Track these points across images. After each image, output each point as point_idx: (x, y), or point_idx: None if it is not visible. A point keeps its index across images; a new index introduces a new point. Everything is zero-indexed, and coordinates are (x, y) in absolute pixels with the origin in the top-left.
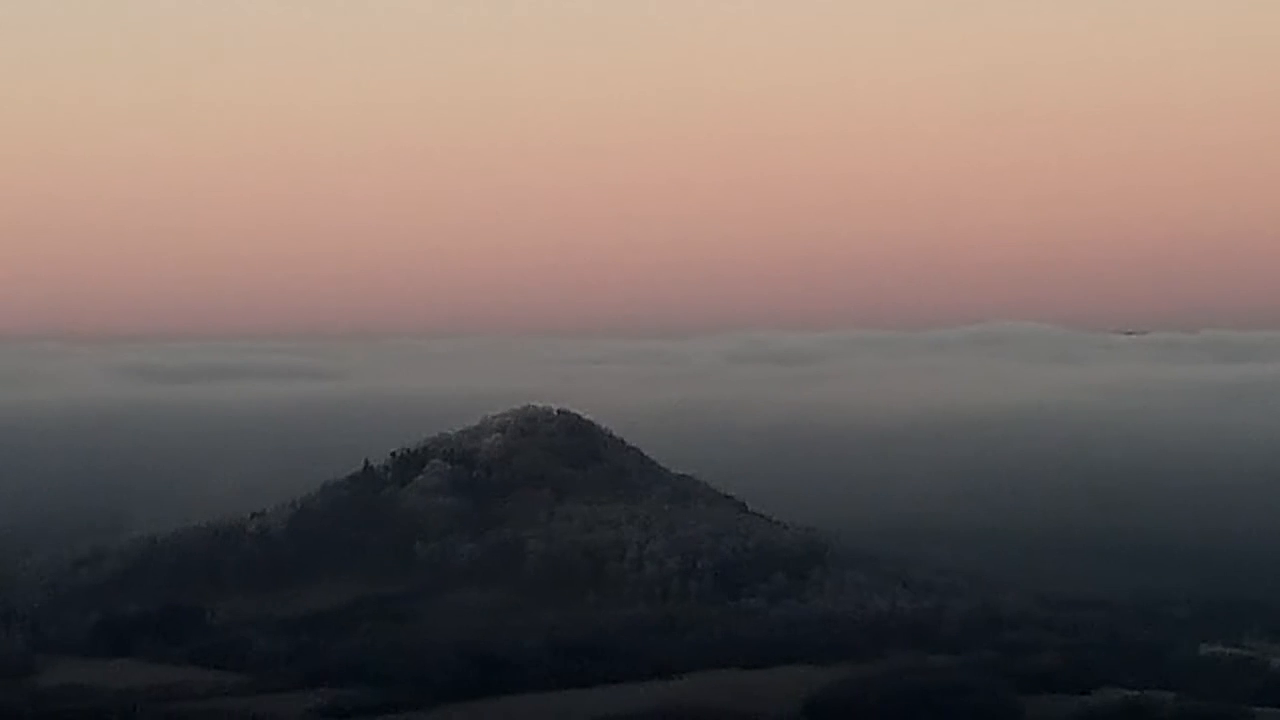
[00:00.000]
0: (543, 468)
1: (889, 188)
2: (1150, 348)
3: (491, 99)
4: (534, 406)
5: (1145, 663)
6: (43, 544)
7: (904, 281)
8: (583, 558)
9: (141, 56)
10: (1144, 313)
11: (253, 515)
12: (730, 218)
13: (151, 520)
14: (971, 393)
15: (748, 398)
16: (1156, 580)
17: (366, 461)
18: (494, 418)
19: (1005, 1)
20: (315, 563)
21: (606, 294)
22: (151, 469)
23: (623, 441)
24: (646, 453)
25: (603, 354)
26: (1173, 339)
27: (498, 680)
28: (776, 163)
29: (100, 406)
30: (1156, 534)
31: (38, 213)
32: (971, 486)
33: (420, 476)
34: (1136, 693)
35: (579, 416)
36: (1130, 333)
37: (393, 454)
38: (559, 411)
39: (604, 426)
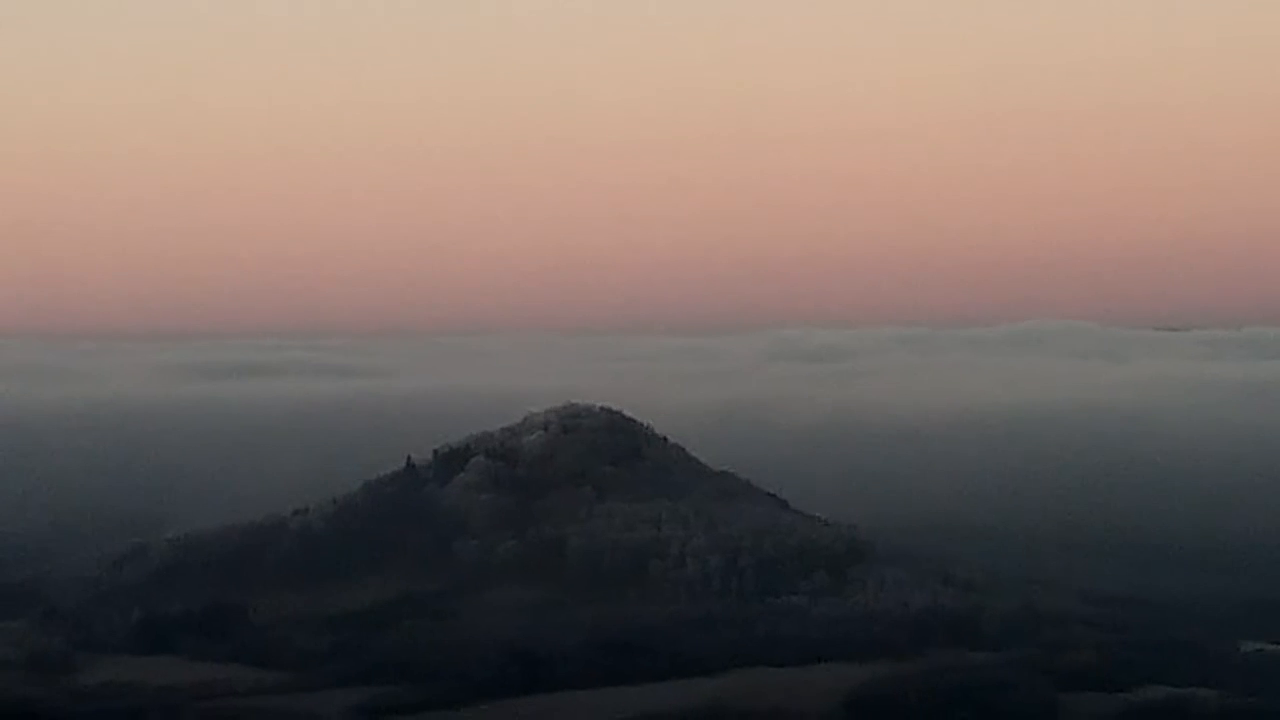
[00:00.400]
0: (584, 465)
1: (927, 185)
2: (1191, 344)
3: (536, 97)
4: (576, 404)
5: (1186, 660)
6: (84, 542)
7: (942, 278)
8: (624, 555)
9: (171, 54)
10: (1185, 309)
11: (294, 513)
12: (769, 216)
13: (193, 518)
14: (1011, 390)
15: (789, 395)
16: (1198, 577)
17: (408, 459)
18: (536, 415)
19: None
20: (357, 560)
21: (648, 291)
22: (193, 466)
23: (664, 439)
24: (688, 450)
25: (644, 351)
26: (1214, 336)
27: (538, 678)
28: (816, 161)
29: (143, 404)
30: (1198, 531)
31: (78, 212)
32: (1012, 484)
33: (462, 474)
34: (1177, 690)
35: (621, 414)
36: (1171, 329)
37: (435, 451)
38: (601, 409)
39: (646, 424)
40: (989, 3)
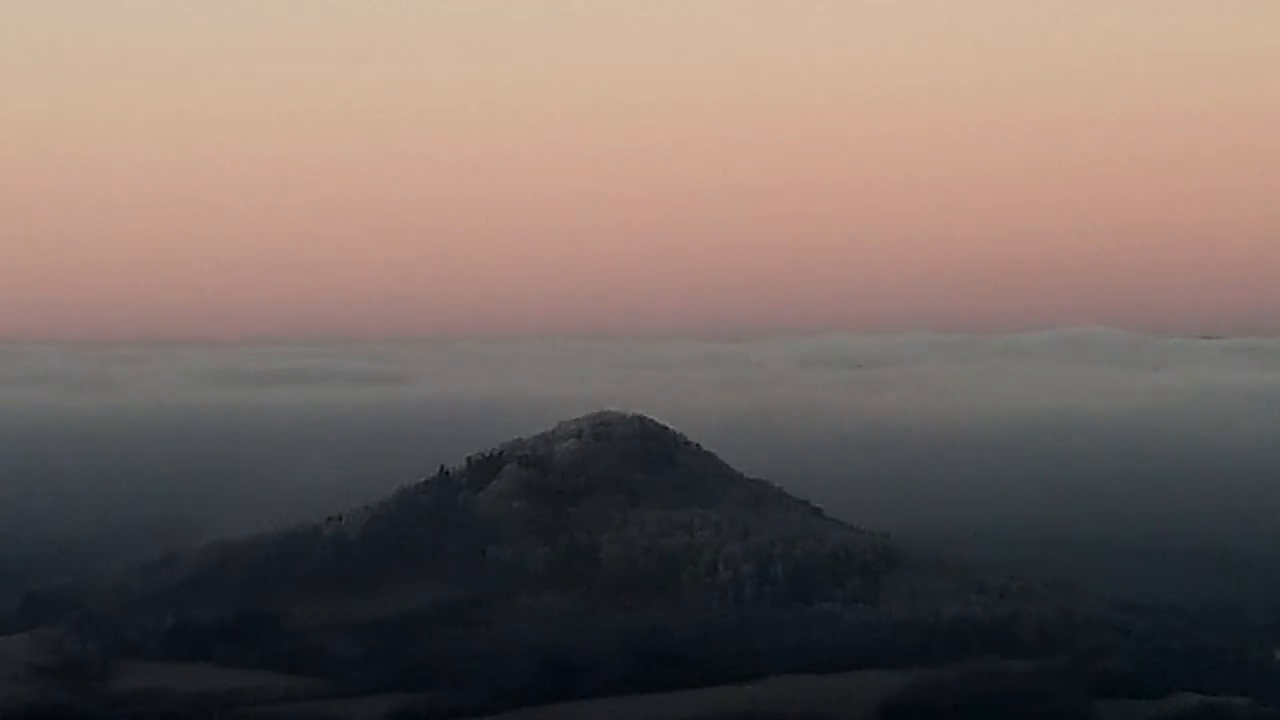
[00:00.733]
0: (617, 473)
1: (965, 191)
2: (1228, 352)
3: (567, 102)
4: (609, 411)
5: (1221, 668)
6: (119, 548)
7: (978, 285)
8: (657, 563)
9: (198, 62)
10: (1222, 316)
11: (328, 520)
12: (804, 222)
13: (227, 525)
14: (1046, 397)
15: (822, 402)
16: (1233, 586)
17: (442, 466)
18: (569, 423)
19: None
20: (390, 567)
21: (682, 298)
22: (227, 473)
23: (697, 446)
24: (721, 457)
25: (677, 358)
26: (1252, 344)
27: (571, 685)
28: (852, 167)
29: (177, 411)
30: (1233, 539)
31: (114, 221)
32: (1046, 491)
33: (495, 481)
34: (1211, 698)
35: (654, 421)
36: (1208, 336)
37: (468, 459)
38: (634, 416)
39: (678, 431)
40: (1029, 5)
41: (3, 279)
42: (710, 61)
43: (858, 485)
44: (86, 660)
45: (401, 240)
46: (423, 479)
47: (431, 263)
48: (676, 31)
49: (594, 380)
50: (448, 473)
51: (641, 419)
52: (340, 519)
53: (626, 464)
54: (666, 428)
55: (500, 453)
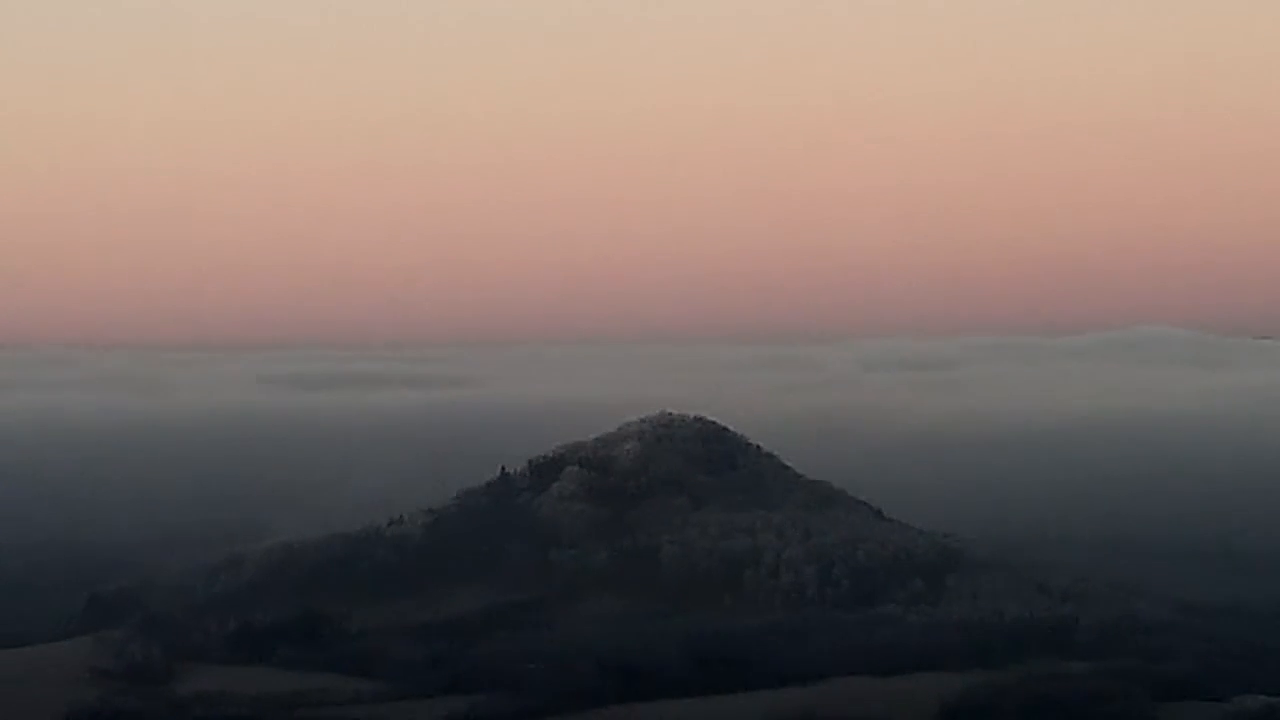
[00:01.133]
0: (679, 475)
1: (1029, 192)
2: None
3: (635, 105)
4: (670, 413)
5: None
6: (181, 551)
7: (1041, 287)
8: (718, 565)
9: (250, 66)
10: None
11: (390, 522)
12: (867, 224)
13: (289, 527)
14: (1109, 398)
15: (884, 404)
16: None
17: (503, 469)
18: (630, 425)
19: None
20: (452, 570)
21: (743, 300)
22: (290, 476)
23: (759, 448)
24: (783, 459)
25: (739, 360)
26: None
27: (633, 687)
28: (915, 169)
29: (239, 414)
30: None
31: (177, 225)
32: (1108, 492)
33: (556, 484)
34: (1275, 699)
35: (715, 423)
36: (1270, 337)
37: (529, 461)
38: (695, 418)
39: (740, 433)
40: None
41: (66, 284)
42: (770, 64)
43: (920, 487)
44: (149, 663)
45: (464, 244)
46: (484, 481)
47: (494, 266)
48: (735, 32)
49: (655, 382)
50: (509, 475)
51: (703, 421)
52: (402, 521)
53: (688, 466)
54: (728, 429)
55: (561, 455)
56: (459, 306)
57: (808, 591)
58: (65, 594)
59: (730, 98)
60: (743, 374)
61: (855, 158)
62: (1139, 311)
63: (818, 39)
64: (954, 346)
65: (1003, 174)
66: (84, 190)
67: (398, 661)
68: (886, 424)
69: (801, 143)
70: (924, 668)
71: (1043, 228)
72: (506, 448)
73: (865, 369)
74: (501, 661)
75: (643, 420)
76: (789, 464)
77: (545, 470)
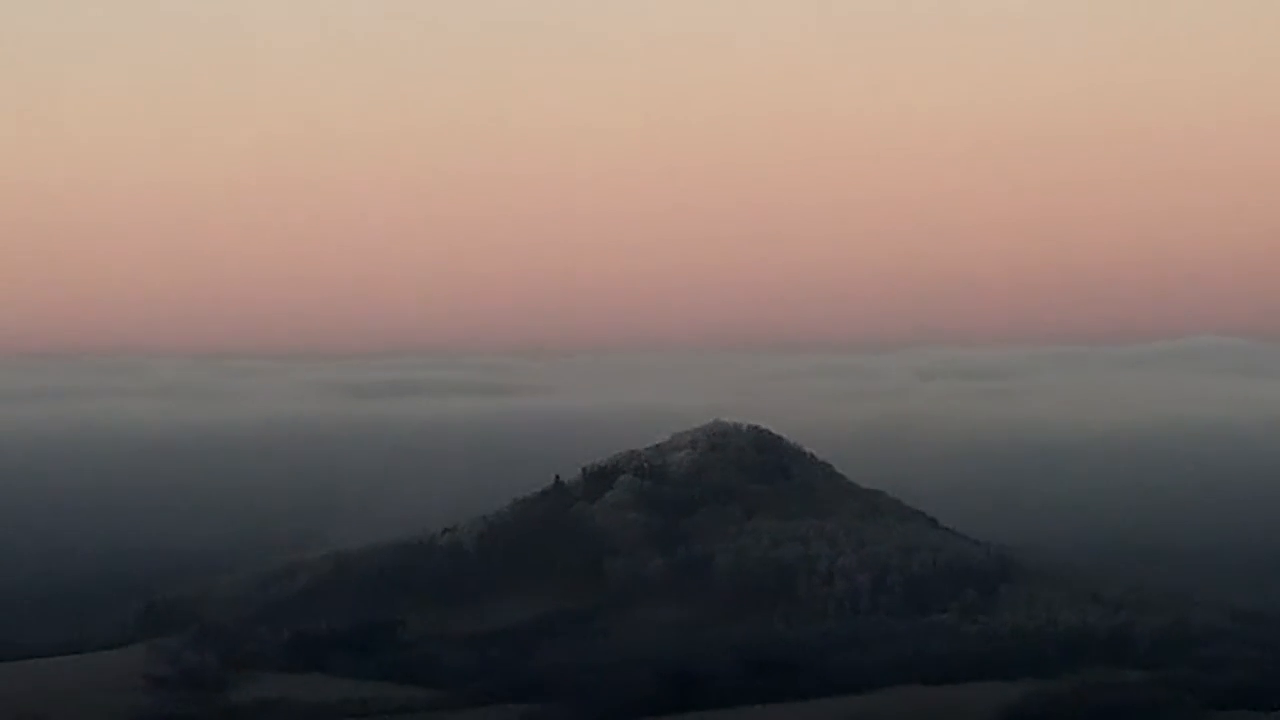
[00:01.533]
0: (732, 483)
1: (1084, 200)
2: None
3: (684, 116)
4: (724, 422)
5: None
6: (236, 559)
7: (1095, 296)
8: (772, 573)
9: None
10: None
11: (444, 530)
12: (923, 232)
13: (343, 536)
14: (1165, 407)
15: (938, 413)
16: None
17: (557, 477)
18: (684, 433)
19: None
20: (505, 578)
21: (798, 309)
22: (344, 484)
23: (812, 457)
24: (836, 468)
25: (793, 369)
26: None
27: (687, 696)
28: (974, 178)
29: (294, 423)
30: None
31: (232, 235)
32: (1162, 501)
33: (610, 492)
34: None
35: (769, 432)
36: None
37: (583, 470)
38: (749, 427)
39: (794, 442)
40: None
41: (125, 292)
42: (830, 72)
43: (974, 496)
44: (204, 671)
45: (518, 253)
46: (538, 490)
47: (549, 275)
48: (801, 43)
49: (709, 391)
50: (563, 484)
51: (757, 429)
52: (456, 530)
53: (742, 475)
54: (782, 438)
55: (615, 464)
56: (515, 315)
57: (861, 600)
58: (121, 602)
59: (800, 105)
60: (798, 383)
61: (916, 167)
62: (1192, 321)
63: (877, 47)
64: (1009, 356)
65: (1060, 184)
66: (145, 200)
67: (452, 670)
68: (941, 432)
69: (862, 151)
70: (978, 677)
71: (1098, 238)
72: (561, 456)
73: (922, 378)
74: (555, 670)
75: (697, 429)
76: (843, 473)
77: (599, 479)
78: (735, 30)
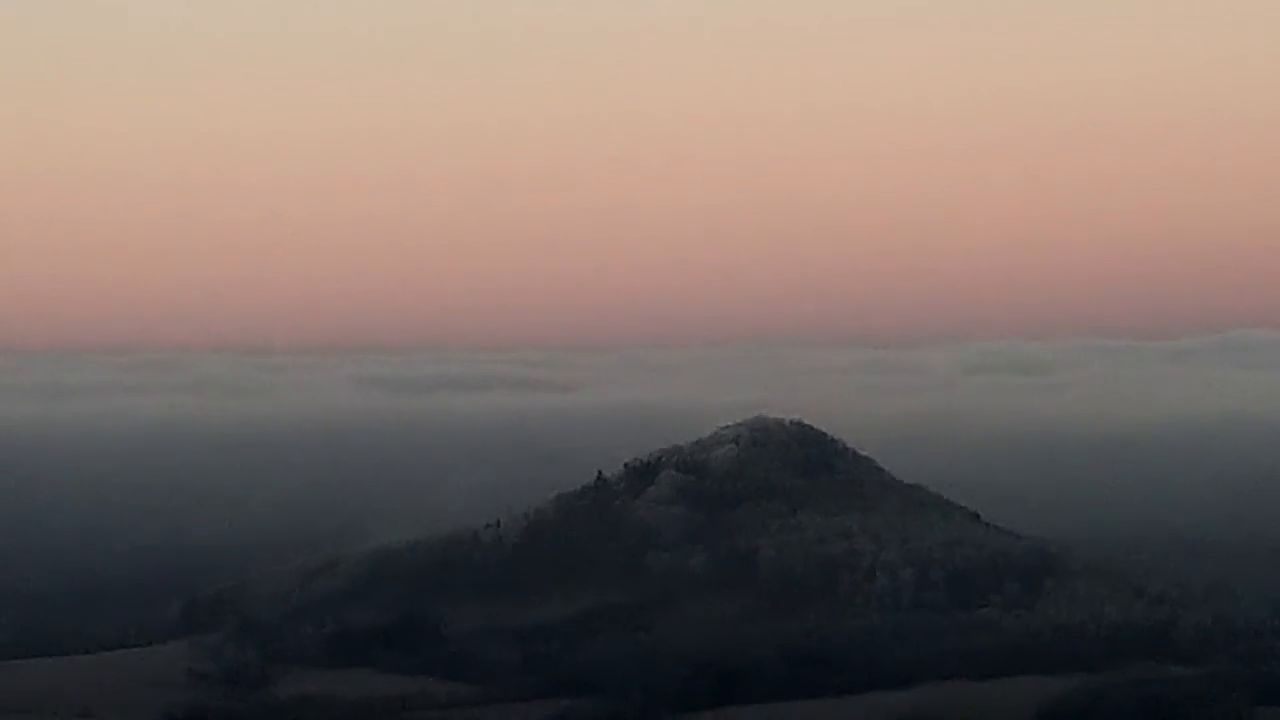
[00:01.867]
0: (775, 478)
1: (1132, 195)
2: None
3: (725, 111)
4: (766, 417)
5: None
6: (278, 555)
7: (1140, 290)
8: (815, 568)
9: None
10: None
11: (487, 526)
12: (967, 227)
13: (385, 531)
14: (1209, 401)
15: (982, 407)
16: None
17: (599, 472)
18: (726, 428)
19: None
20: (548, 574)
21: (841, 303)
22: (387, 479)
23: (855, 452)
24: (879, 463)
25: (836, 364)
26: None
27: (730, 690)
28: (1016, 171)
29: (338, 418)
30: None
31: (278, 229)
32: (1207, 496)
33: (652, 487)
34: None
35: (811, 427)
36: None
37: (626, 465)
38: (791, 422)
39: (837, 437)
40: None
41: (168, 289)
42: (872, 65)
43: (1017, 491)
44: (246, 667)
45: (562, 248)
46: (581, 485)
47: (592, 271)
48: (827, 40)
49: (752, 386)
50: (606, 479)
51: (800, 424)
52: (499, 525)
53: (785, 470)
54: (825, 433)
55: (658, 459)
56: (557, 311)
57: (904, 595)
58: (163, 598)
59: (848, 98)
60: (842, 377)
61: (963, 160)
62: (1237, 315)
63: (915, 40)
64: (1053, 350)
65: (1105, 178)
66: (189, 197)
67: (494, 664)
68: (984, 427)
69: (907, 147)
70: (1021, 671)
71: (1142, 232)
72: (603, 452)
73: (966, 372)
74: (598, 665)
75: (740, 424)
76: (886, 467)
77: (642, 474)
78: (783, 21)
